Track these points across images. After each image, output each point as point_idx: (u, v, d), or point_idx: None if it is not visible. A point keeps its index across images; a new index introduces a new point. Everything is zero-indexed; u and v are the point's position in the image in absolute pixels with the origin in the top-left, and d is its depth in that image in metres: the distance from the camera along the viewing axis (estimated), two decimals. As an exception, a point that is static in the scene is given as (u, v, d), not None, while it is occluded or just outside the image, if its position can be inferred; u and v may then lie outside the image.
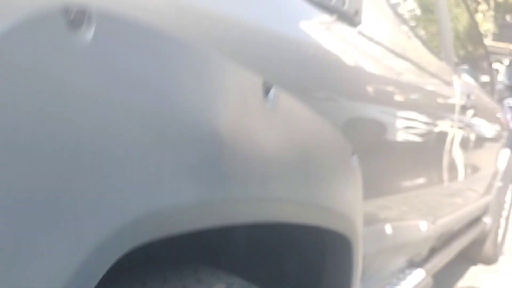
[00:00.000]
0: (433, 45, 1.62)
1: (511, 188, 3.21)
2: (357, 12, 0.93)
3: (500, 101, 2.53)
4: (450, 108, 1.60)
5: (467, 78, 1.84)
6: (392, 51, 1.18)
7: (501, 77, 2.55)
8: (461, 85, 1.70)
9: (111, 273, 0.44)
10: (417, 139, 1.42)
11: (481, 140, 2.37)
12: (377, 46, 1.09)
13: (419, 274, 1.60)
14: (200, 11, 0.57)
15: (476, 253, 3.01)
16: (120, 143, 0.42)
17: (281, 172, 0.66)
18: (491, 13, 13.38)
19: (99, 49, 0.40)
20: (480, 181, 2.54)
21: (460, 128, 1.76)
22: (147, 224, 0.45)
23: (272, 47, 0.71)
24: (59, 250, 0.37)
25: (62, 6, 0.36)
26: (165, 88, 0.47)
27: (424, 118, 1.41)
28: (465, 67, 2.11)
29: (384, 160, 1.17)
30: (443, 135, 1.59)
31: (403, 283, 1.51)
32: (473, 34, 2.41)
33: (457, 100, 1.63)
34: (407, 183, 1.40)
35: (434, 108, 1.51)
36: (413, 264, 1.66)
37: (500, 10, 13.17)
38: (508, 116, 2.75)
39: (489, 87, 2.48)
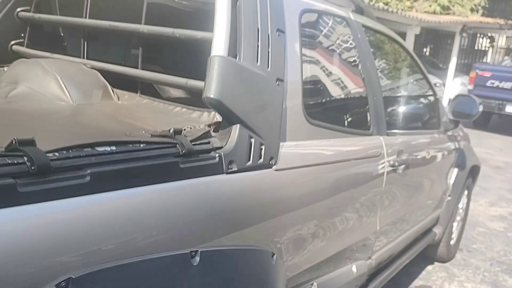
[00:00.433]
0: (360, 119, 2.00)
1: (465, 195, 3.65)
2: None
3: (445, 132, 2.92)
4: (380, 176, 2.00)
5: (397, 137, 2.22)
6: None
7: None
8: (390, 146, 2.08)
9: None
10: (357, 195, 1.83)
11: (434, 169, 2.80)
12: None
13: (356, 302, 2.06)
14: None
15: (432, 254, 3.48)
16: None
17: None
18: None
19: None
20: (432, 200, 2.98)
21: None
22: None
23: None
24: None
25: None
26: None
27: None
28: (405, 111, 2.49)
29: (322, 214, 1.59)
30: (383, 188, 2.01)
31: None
32: (419, 78, 2.79)
33: (386, 163, 2.03)
34: (342, 241, 1.83)
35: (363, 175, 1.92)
36: (353, 293, 2.11)
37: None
38: None
39: (435, 120, 2.87)
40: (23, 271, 0.77)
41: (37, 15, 2.11)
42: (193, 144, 1.14)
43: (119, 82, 1.79)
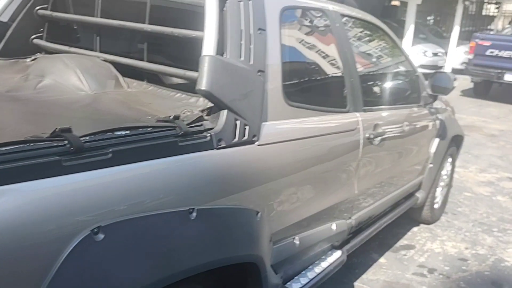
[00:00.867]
0: (337, 99, 2.30)
1: (449, 162, 3.96)
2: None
3: (425, 106, 3.21)
4: (355, 147, 2.31)
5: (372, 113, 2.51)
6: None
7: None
8: (366, 121, 2.38)
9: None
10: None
11: (414, 139, 3.10)
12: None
13: (336, 255, 2.40)
14: None
15: (417, 216, 3.82)
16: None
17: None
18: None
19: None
20: (414, 167, 3.29)
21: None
22: None
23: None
24: None
25: None
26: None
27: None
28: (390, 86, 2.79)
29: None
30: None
31: (322, 263, 2.31)
32: (398, 57, 3.06)
33: (361, 136, 2.34)
34: (321, 203, 2.16)
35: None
36: (334, 247, 2.46)
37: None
38: None
39: (416, 94, 3.16)
40: (66, 222, 1.10)
41: (54, 13, 2.41)
42: (189, 127, 1.46)
43: (128, 72, 2.10)
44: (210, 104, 1.63)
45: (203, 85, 1.51)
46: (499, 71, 9.62)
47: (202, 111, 1.61)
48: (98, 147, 1.20)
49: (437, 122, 3.46)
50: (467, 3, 13.54)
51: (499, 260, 3.42)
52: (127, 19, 2.07)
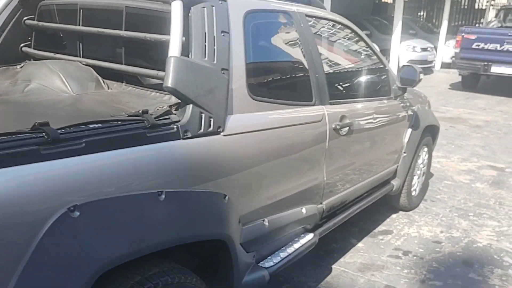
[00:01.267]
0: (303, 93, 2.48)
1: (425, 152, 4.15)
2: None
3: (396, 98, 3.40)
4: (322, 137, 2.50)
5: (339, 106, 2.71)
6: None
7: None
8: (332, 113, 2.58)
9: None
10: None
11: (385, 130, 3.29)
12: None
13: (308, 237, 2.60)
14: None
15: (395, 203, 4.01)
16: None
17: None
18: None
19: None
20: (387, 156, 3.49)
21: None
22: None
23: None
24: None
25: None
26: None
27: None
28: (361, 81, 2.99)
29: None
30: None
31: (294, 244, 2.50)
32: (366, 53, 3.25)
33: (327, 127, 2.53)
34: (294, 186, 2.36)
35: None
36: (307, 230, 2.65)
37: None
38: None
39: (387, 87, 3.35)
40: (46, 201, 1.29)
41: (40, 23, 2.60)
42: (157, 120, 1.65)
43: (108, 74, 2.30)
44: (178, 100, 1.82)
45: (168, 83, 1.70)
46: (486, 63, 9.83)
47: (171, 106, 1.81)
48: (73, 138, 1.40)
49: (410, 113, 3.65)
50: (454, -3, 13.72)
51: (472, 241, 3.61)
52: (105, 26, 2.27)
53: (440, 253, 3.42)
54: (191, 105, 1.77)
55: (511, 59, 9.52)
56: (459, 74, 10.83)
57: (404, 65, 3.42)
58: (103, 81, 2.24)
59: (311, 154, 2.48)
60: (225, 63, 1.94)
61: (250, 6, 2.20)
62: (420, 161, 4.06)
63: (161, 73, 2.02)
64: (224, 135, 1.89)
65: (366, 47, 3.23)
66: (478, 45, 9.90)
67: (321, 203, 2.69)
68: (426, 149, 4.14)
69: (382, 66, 3.33)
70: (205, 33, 1.88)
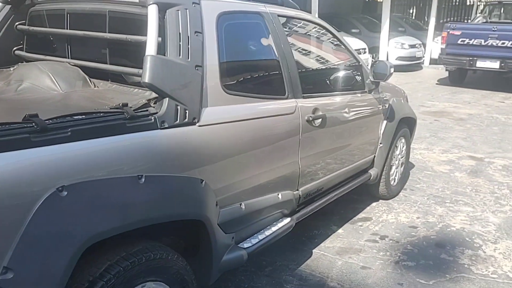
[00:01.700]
0: (276, 87, 2.68)
1: (402, 142, 4.35)
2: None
3: (370, 92, 3.61)
4: (295, 128, 2.70)
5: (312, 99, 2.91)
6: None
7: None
8: (304, 106, 2.78)
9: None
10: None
11: (359, 121, 3.49)
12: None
13: (285, 221, 2.80)
14: None
15: (374, 192, 4.21)
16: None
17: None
18: None
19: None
20: (363, 146, 3.69)
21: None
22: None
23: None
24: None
25: None
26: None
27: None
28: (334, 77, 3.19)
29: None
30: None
31: (272, 227, 2.70)
32: (338, 50, 3.46)
33: (300, 118, 2.73)
34: (269, 173, 2.56)
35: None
36: (285, 215, 2.85)
37: None
38: None
39: (360, 81, 3.56)
40: (37, 181, 1.49)
41: (31, 28, 2.80)
42: (135, 112, 1.85)
43: (95, 73, 2.49)
44: (156, 95, 2.02)
45: (146, 78, 1.90)
46: (471, 58, 10.06)
47: (149, 100, 2.01)
48: (59, 127, 1.59)
49: (385, 105, 3.85)
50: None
51: (446, 226, 3.82)
52: (91, 29, 2.46)
53: (415, 237, 3.62)
54: (167, 99, 1.96)
55: (495, 54, 9.76)
56: (446, 70, 11.07)
57: (376, 61, 3.63)
58: (90, 80, 2.43)
59: (286, 143, 2.67)
60: (199, 61, 2.14)
61: (223, 8, 2.40)
62: (397, 151, 4.26)
63: (141, 71, 2.21)
64: (199, 126, 2.09)
65: (339, 44, 3.44)
66: (463, 41, 10.13)
67: (297, 190, 2.89)
68: (403, 140, 4.34)
69: (355, 61, 3.53)
70: (180, 33, 2.08)
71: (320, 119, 2.91)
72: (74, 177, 1.57)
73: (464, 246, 3.49)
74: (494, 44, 9.73)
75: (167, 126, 1.94)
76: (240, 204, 2.40)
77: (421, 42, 13.59)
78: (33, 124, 1.54)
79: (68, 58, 2.66)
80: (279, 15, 2.80)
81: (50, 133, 1.56)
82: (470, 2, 21.85)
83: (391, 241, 3.54)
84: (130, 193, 1.75)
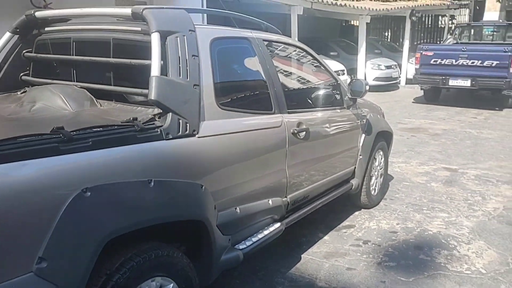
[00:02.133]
0: (264, 104, 2.98)
1: (380, 155, 4.67)
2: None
3: (348, 108, 3.94)
4: (282, 140, 2.99)
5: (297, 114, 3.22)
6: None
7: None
8: (290, 120, 3.08)
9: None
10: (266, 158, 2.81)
11: (339, 135, 3.80)
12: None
13: (276, 225, 3.05)
14: None
15: (356, 202, 4.50)
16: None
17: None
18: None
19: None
20: (344, 158, 3.99)
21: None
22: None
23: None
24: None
25: None
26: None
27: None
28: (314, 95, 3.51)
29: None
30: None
31: (264, 231, 2.95)
32: (318, 70, 3.80)
33: (286, 131, 3.02)
34: (260, 180, 2.82)
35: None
36: (275, 220, 3.11)
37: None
38: None
39: (339, 98, 3.88)
40: (65, 184, 1.73)
41: (38, 55, 3.06)
42: (144, 125, 2.11)
43: (100, 94, 2.75)
44: (160, 110, 2.29)
45: (152, 96, 2.17)
46: (444, 77, 10.60)
47: (155, 115, 2.27)
48: (82, 138, 1.85)
49: (362, 120, 4.18)
50: (413, 18, 14.65)
51: (424, 230, 4.12)
52: (94, 55, 2.73)
53: (395, 240, 3.90)
54: (170, 113, 2.23)
55: (466, 73, 10.30)
56: (421, 89, 11.59)
57: (353, 79, 3.97)
58: (96, 100, 2.69)
59: (274, 153, 2.96)
60: (197, 80, 2.42)
61: (215, 34, 2.71)
62: (376, 163, 4.58)
63: (144, 91, 2.48)
64: (198, 137, 2.36)
65: (318, 65, 3.77)
66: (436, 61, 10.67)
67: (285, 197, 3.16)
68: (381, 152, 4.67)
69: (333, 80, 3.86)
70: (179, 57, 2.37)
71: (304, 132, 3.21)
72: (95, 180, 1.82)
73: (440, 247, 3.78)
74: (465, 63, 10.29)
75: (171, 137, 2.21)
76: (236, 208, 2.65)
77: (396, 63, 14.18)
78: (61, 135, 1.79)
79: (74, 81, 2.92)
80: (264, 40, 3.12)
81: (75, 143, 1.81)
82: (441, 24, 22.80)
83: (373, 245, 3.80)
84: (142, 195, 1.99)
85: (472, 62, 10.21)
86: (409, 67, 14.41)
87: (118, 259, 1.97)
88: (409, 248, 3.76)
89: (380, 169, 4.71)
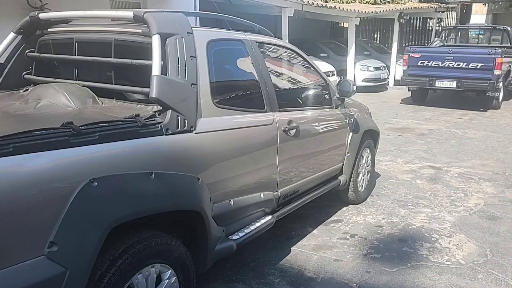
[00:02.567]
0: (257, 103, 3.15)
1: (367, 153, 4.86)
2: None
3: (337, 107, 4.12)
4: (274, 136, 3.16)
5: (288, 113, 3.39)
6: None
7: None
8: (281, 118, 3.25)
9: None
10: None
11: (328, 133, 3.97)
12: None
13: (267, 218, 3.22)
14: None
15: (344, 198, 4.68)
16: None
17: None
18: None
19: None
20: (332, 155, 4.17)
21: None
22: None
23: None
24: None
25: None
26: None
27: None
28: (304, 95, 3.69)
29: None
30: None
31: (256, 223, 3.12)
32: (308, 71, 3.97)
33: (277, 128, 3.19)
34: (253, 175, 2.99)
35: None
36: (266, 213, 3.28)
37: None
38: None
39: (328, 98, 4.06)
40: (75, 174, 1.88)
41: (41, 54, 3.19)
42: (146, 121, 2.27)
43: (102, 93, 2.89)
44: (160, 108, 2.45)
45: (153, 94, 2.33)
46: (430, 79, 10.86)
47: (155, 112, 2.43)
48: (90, 132, 2.00)
49: (350, 119, 4.36)
50: (402, 20, 14.93)
51: (408, 224, 4.31)
52: (96, 55, 2.88)
53: (381, 234, 4.09)
54: (170, 110, 2.39)
55: (451, 74, 10.57)
56: (409, 90, 11.84)
57: (341, 80, 4.15)
58: (98, 98, 2.83)
59: (266, 150, 3.12)
60: (194, 80, 2.58)
61: (211, 36, 2.87)
62: (363, 160, 4.77)
63: (145, 89, 2.63)
64: (196, 133, 2.52)
65: (308, 66, 3.95)
66: (423, 63, 10.93)
67: (276, 191, 3.33)
68: (368, 150, 4.86)
69: (323, 81, 4.04)
70: (178, 57, 2.52)
71: (294, 130, 3.38)
72: (101, 171, 1.97)
73: (423, 240, 3.98)
74: (451, 65, 10.55)
75: (170, 132, 2.36)
76: (229, 200, 2.82)
77: (385, 65, 14.43)
78: (70, 129, 1.94)
79: (75, 80, 3.06)
80: (256, 42, 3.29)
81: (83, 136, 1.96)
82: (429, 26, 23.16)
83: (360, 238, 3.99)
84: (144, 186, 2.15)
85: (458, 64, 10.48)
86: (397, 69, 14.67)
87: (121, 246, 2.12)
88: (393, 241, 3.95)
89: (367, 166, 4.90)
